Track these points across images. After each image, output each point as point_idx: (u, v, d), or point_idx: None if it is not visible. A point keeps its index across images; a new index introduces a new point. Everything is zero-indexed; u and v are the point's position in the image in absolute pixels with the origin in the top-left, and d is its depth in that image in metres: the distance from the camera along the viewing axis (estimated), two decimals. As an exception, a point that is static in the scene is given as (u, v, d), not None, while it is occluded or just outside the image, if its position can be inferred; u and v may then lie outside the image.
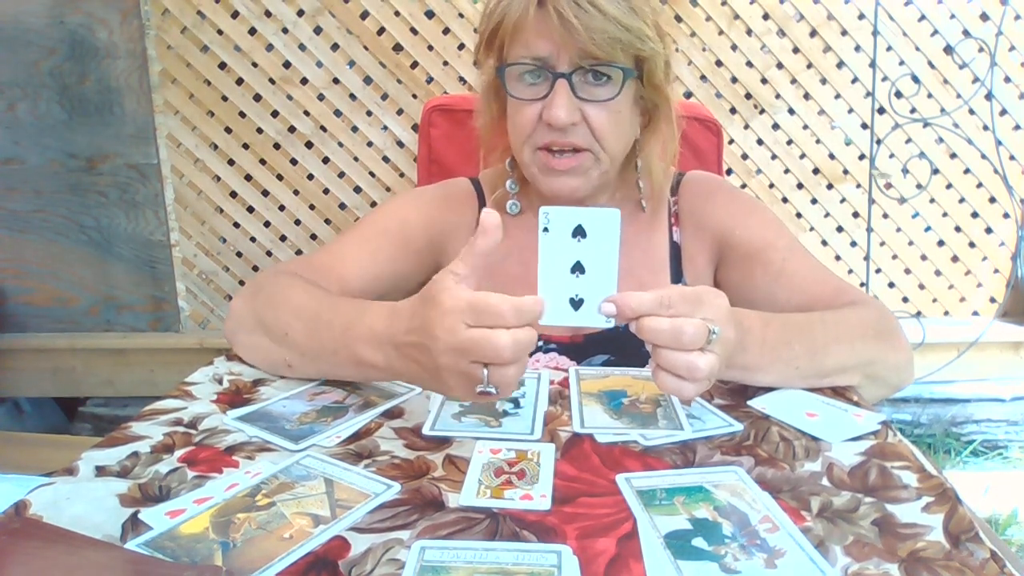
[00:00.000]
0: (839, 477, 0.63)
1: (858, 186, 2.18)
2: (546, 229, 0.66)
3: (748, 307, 0.88)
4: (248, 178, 2.18)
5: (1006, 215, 2.20)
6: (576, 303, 0.67)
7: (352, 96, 2.12)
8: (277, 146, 2.15)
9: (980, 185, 2.17)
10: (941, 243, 2.23)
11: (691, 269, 1.02)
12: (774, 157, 2.16)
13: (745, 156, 2.16)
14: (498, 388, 0.63)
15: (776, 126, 2.14)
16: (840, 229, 2.21)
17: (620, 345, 0.96)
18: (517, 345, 0.62)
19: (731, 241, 1.00)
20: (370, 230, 1.02)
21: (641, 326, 0.67)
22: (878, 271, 2.24)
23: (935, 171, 2.16)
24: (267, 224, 2.22)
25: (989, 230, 2.22)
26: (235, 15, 2.05)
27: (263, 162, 2.17)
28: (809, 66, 2.10)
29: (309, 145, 2.15)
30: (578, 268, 0.66)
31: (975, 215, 2.20)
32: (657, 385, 0.68)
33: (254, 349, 0.87)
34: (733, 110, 2.12)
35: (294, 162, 2.17)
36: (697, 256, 1.02)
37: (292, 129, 2.14)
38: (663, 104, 0.95)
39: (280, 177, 2.19)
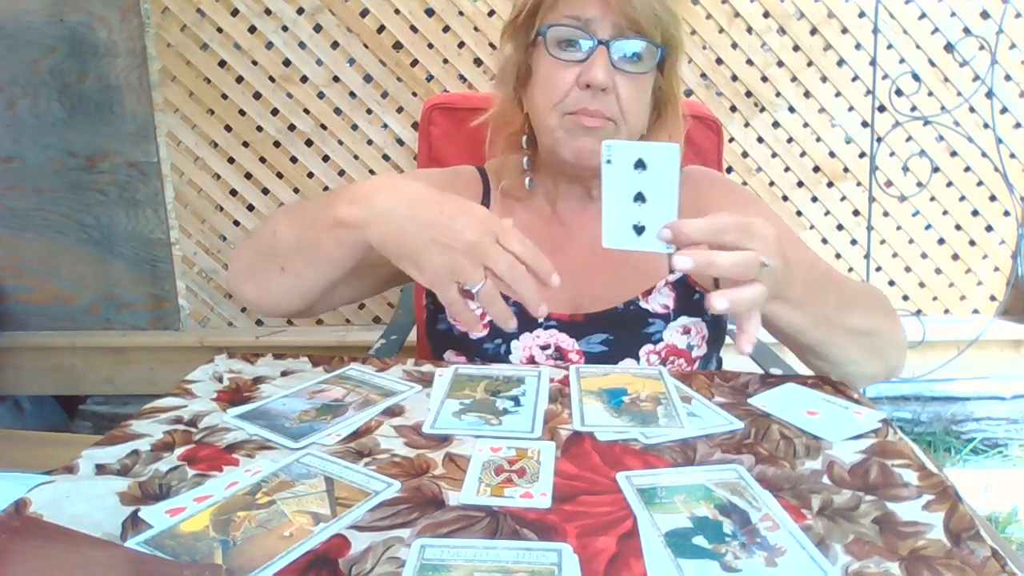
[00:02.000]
0: (840, 475, 0.63)
1: (858, 184, 2.18)
2: (608, 161, 0.69)
3: None
4: (248, 176, 2.18)
5: (1006, 213, 2.20)
6: (639, 229, 0.71)
7: (352, 94, 2.11)
8: (277, 144, 2.15)
9: (980, 183, 2.17)
10: (941, 241, 2.23)
11: None
12: (774, 155, 2.16)
13: (745, 154, 2.16)
14: (482, 301, 0.72)
15: (776, 124, 2.14)
16: (840, 227, 2.21)
17: (620, 324, 0.98)
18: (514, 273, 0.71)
19: None
20: None
21: (698, 259, 0.69)
22: (878, 269, 2.24)
23: (935, 169, 2.16)
24: (267, 222, 2.22)
25: (989, 228, 2.22)
26: (235, 13, 2.05)
27: (263, 160, 2.17)
28: (809, 64, 2.09)
29: (309, 143, 2.15)
30: (640, 198, 0.69)
31: (975, 213, 2.20)
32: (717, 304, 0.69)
33: (252, 277, 0.92)
34: (733, 108, 2.12)
35: (294, 160, 2.17)
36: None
37: (292, 127, 2.14)
38: (672, 100, 1.00)
39: (280, 175, 2.19)
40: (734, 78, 2.10)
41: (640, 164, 0.68)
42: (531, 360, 0.99)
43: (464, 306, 0.75)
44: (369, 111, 2.13)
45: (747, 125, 2.14)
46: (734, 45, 2.08)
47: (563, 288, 1.00)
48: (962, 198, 2.19)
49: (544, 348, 0.99)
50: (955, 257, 2.24)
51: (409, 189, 0.78)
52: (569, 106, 0.93)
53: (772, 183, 2.18)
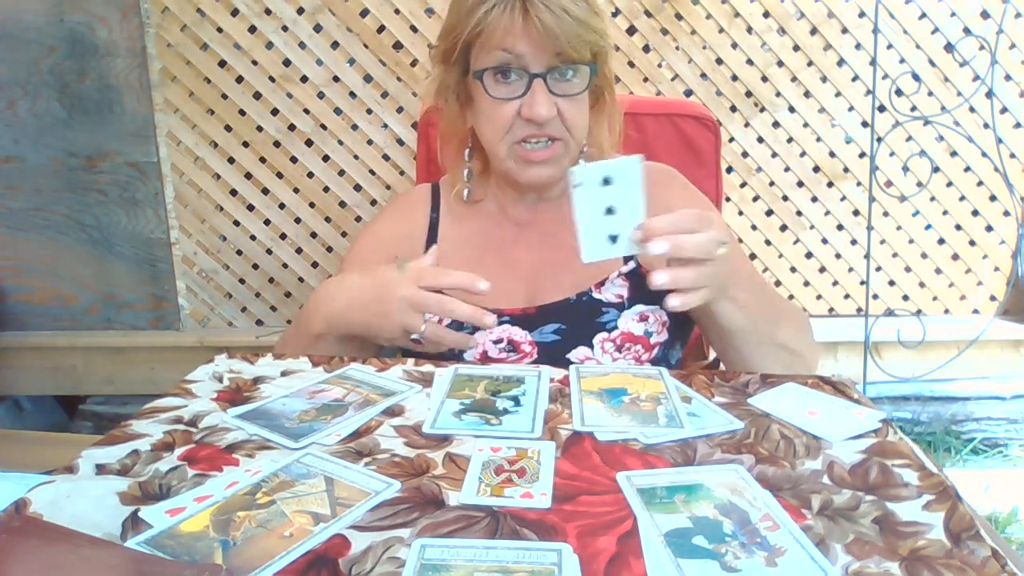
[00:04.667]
0: (840, 475, 0.63)
1: (858, 184, 2.18)
2: (576, 185, 0.75)
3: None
4: (248, 176, 2.18)
5: (1006, 213, 2.20)
6: (613, 238, 0.77)
7: (352, 94, 2.11)
8: (277, 144, 2.15)
9: (980, 183, 2.17)
10: (941, 241, 2.23)
11: None
12: (774, 155, 2.16)
13: (745, 154, 2.16)
14: (428, 341, 0.88)
15: (776, 124, 2.14)
16: (840, 227, 2.21)
17: (573, 314, 1.01)
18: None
19: None
20: None
21: (673, 242, 0.77)
22: (878, 269, 2.24)
23: (935, 169, 2.16)
24: (267, 222, 2.22)
25: (989, 228, 2.22)
26: (235, 13, 2.05)
27: (263, 160, 2.17)
28: (809, 64, 2.09)
29: (309, 143, 2.15)
30: (610, 211, 0.75)
31: (975, 213, 2.20)
32: (658, 279, 0.77)
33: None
34: (733, 108, 2.12)
35: (294, 160, 2.17)
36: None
37: (292, 127, 2.14)
38: (607, 87, 1.04)
39: (280, 175, 2.19)
40: (734, 78, 2.10)
41: (606, 181, 0.74)
42: (485, 355, 1.01)
43: (444, 333, 0.90)
44: (369, 111, 2.13)
45: (747, 125, 2.14)
46: (734, 45, 2.08)
47: (516, 284, 1.04)
48: (962, 198, 2.19)
49: (497, 342, 1.01)
50: (955, 257, 2.24)
51: (343, 285, 0.96)
52: (516, 136, 0.97)
53: (772, 183, 2.18)
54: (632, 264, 1.03)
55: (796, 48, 2.09)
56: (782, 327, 0.95)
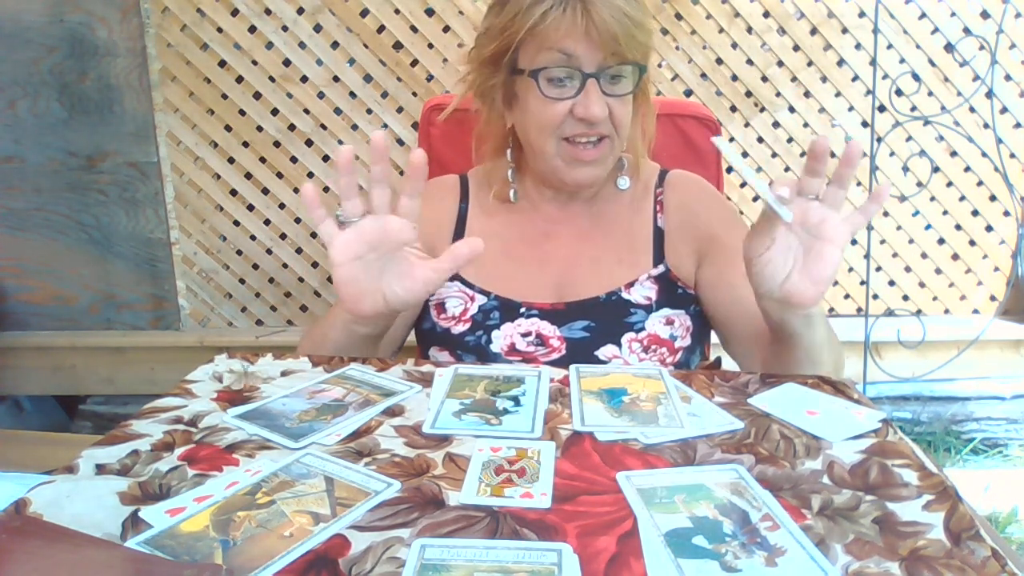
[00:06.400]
0: (840, 475, 0.63)
1: (858, 184, 2.18)
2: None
3: (717, 301, 1.02)
4: (248, 176, 2.18)
5: (1006, 213, 2.20)
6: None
7: (352, 94, 2.12)
8: (277, 144, 2.15)
9: (980, 183, 2.17)
10: (941, 241, 2.23)
11: (673, 254, 1.06)
12: (774, 155, 2.16)
13: (745, 154, 2.16)
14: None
15: (776, 124, 2.14)
16: (840, 227, 2.21)
17: (602, 313, 1.02)
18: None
19: (716, 244, 1.05)
20: None
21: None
22: (878, 269, 2.24)
23: (935, 169, 2.16)
24: (267, 222, 2.22)
25: (989, 228, 2.22)
26: (235, 13, 2.05)
27: (263, 160, 2.17)
28: (809, 64, 2.09)
29: (309, 143, 2.15)
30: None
31: (975, 213, 2.20)
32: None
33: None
34: (733, 108, 2.12)
35: (294, 160, 2.17)
36: (681, 245, 1.07)
37: (292, 127, 2.14)
38: (645, 86, 1.04)
39: (280, 175, 2.19)
40: (734, 78, 2.10)
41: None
42: (512, 348, 1.00)
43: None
44: (369, 111, 2.13)
45: (747, 125, 2.14)
46: (734, 45, 2.08)
47: (545, 278, 1.05)
48: (962, 198, 2.19)
49: (525, 336, 1.01)
50: (955, 257, 2.24)
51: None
52: (566, 132, 0.97)
53: (772, 183, 2.17)
54: (661, 268, 1.04)
55: (796, 48, 2.09)
56: (825, 349, 0.91)
